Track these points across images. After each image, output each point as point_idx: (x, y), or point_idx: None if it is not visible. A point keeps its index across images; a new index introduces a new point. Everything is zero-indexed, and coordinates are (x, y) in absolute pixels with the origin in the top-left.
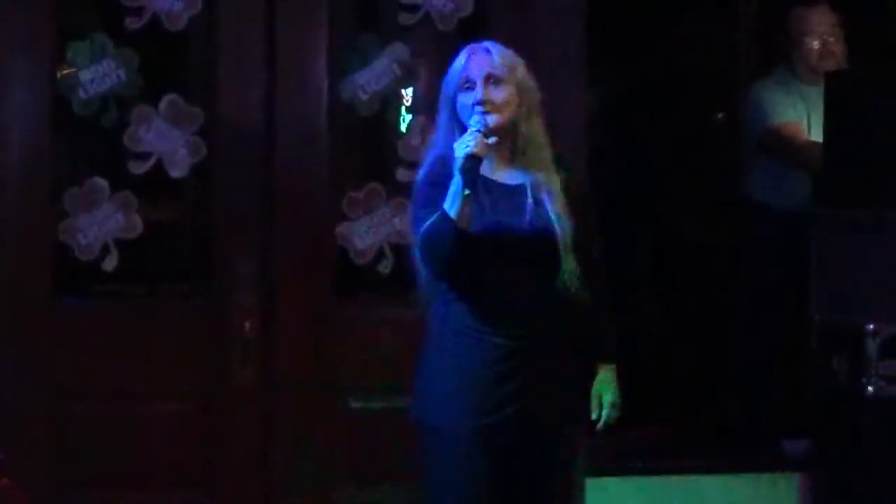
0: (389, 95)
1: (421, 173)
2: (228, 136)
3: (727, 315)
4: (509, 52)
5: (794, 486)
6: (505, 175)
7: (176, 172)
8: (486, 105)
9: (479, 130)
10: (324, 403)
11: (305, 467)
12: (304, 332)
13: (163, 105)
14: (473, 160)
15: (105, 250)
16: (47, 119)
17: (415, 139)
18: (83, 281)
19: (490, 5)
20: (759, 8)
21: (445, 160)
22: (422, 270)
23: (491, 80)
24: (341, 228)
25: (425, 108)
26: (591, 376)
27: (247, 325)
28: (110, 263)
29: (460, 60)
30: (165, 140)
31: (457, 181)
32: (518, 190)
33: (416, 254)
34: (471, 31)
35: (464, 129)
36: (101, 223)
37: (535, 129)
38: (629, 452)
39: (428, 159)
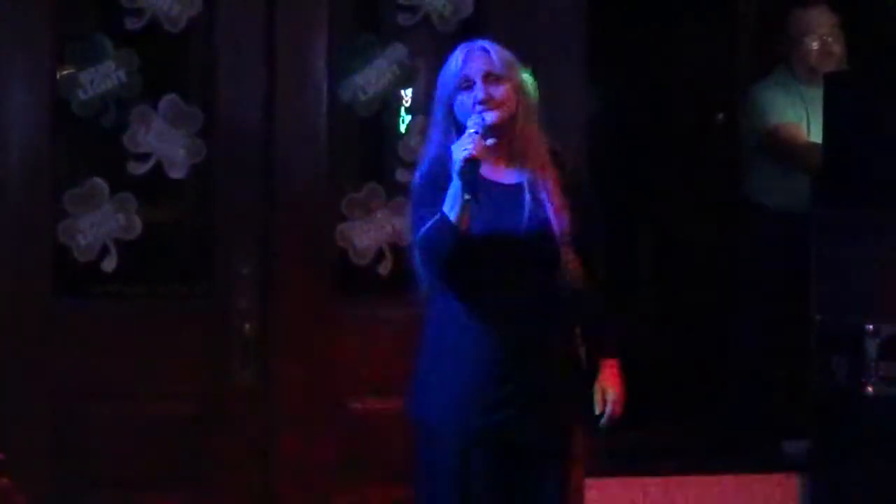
0: (389, 96)
1: (418, 174)
2: (228, 137)
3: (727, 315)
4: (505, 51)
5: (794, 486)
6: (502, 174)
7: (176, 173)
8: (487, 103)
9: (476, 132)
10: (323, 404)
11: (305, 467)
12: (303, 332)
13: (162, 106)
14: (472, 163)
15: (105, 251)
16: (47, 119)
17: (414, 140)
18: (83, 282)
19: (490, 6)
20: (758, 8)
21: (442, 160)
22: (420, 271)
23: (490, 78)
24: (341, 229)
25: (425, 108)
26: (594, 372)
27: (247, 325)
28: (110, 264)
29: (457, 60)
30: (165, 140)
31: (455, 184)
32: (516, 189)
33: (415, 255)
34: (470, 31)
35: (460, 129)
36: (101, 224)
37: (532, 127)
38: (629, 452)
39: (425, 160)
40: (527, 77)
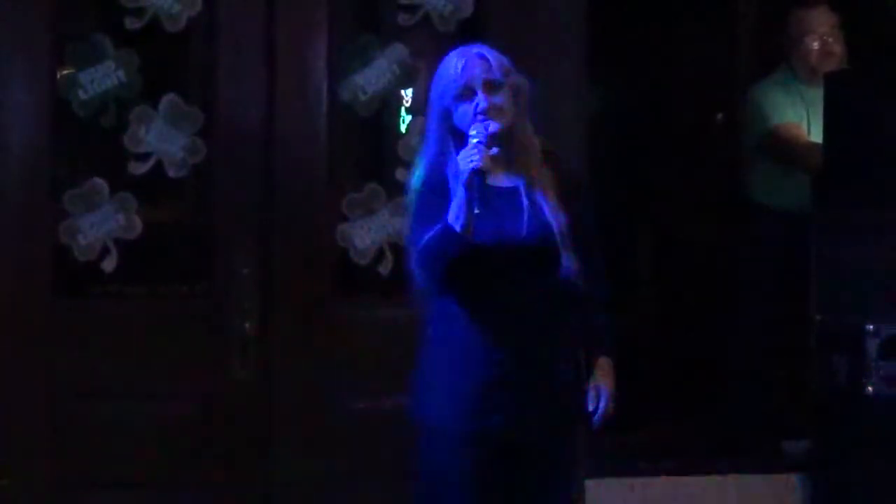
0: (389, 96)
1: (416, 181)
2: (228, 137)
3: (727, 315)
4: (501, 55)
5: (794, 486)
6: (499, 178)
7: (176, 173)
8: (489, 112)
9: (481, 142)
10: (323, 403)
11: (305, 467)
12: (303, 332)
13: (162, 105)
14: (479, 174)
15: (105, 251)
16: (47, 119)
17: (414, 140)
18: (83, 281)
19: (489, 6)
20: (758, 8)
21: (440, 167)
22: (419, 275)
23: (490, 86)
24: (341, 228)
25: (425, 108)
26: (589, 370)
27: (247, 325)
28: (110, 264)
29: (455, 67)
30: (165, 140)
31: (460, 194)
32: (513, 192)
33: (417, 262)
34: (470, 31)
35: (458, 136)
36: (101, 224)
37: (527, 130)
38: (629, 452)
39: (422, 166)
40: (520, 78)
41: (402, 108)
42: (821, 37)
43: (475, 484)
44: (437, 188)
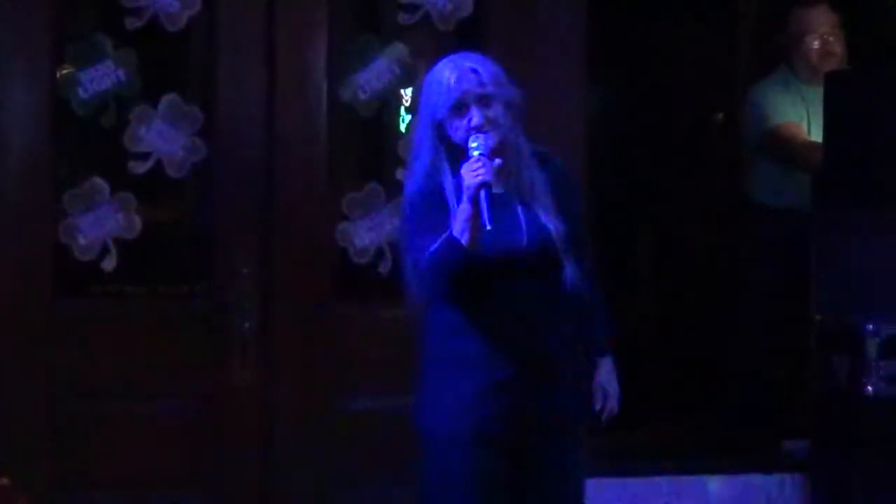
0: (389, 95)
1: (411, 190)
2: (228, 136)
3: (727, 315)
4: (493, 66)
5: (794, 486)
6: (495, 187)
7: (176, 172)
8: (484, 128)
9: (484, 155)
10: (323, 403)
11: (305, 467)
12: (303, 331)
13: (162, 105)
14: (486, 187)
15: (105, 250)
16: (47, 119)
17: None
18: (83, 281)
19: (489, 5)
20: (758, 8)
21: (434, 177)
22: (419, 289)
23: (483, 101)
24: (341, 228)
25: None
26: (589, 370)
27: (246, 325)
28: (110, 263)
29: (448, 81)
30: (165, 140)
31: (465, 208)
32: (509, 199)
33: (420, 275)
34: (470, 30)
35: (450, 148)
36: (101, 223)
37: (520, 136)
38: (629, 452)
39: (415, 175)
40: (512, 89)
41: (402, 108)
42: (821, 36)
43: (480, 491)
44: (432, 199)
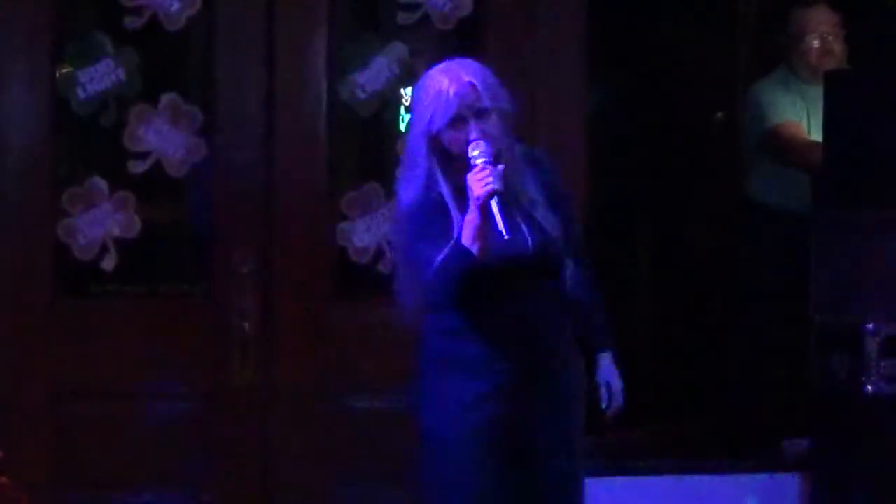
0: (389, 95)
1: (407, 200)
2: (228, 136)
3: (727, 315)
4: (489, 75)
5: (794, 486)
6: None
7: (175, 172)
8: (483, 139)
9: (488, 162)
10: (323, 403)
11: (305, 467)
12: (303, 331)
13: (162, 104)
14: (496, 195)
15: (104, 250)
16: (47, 119)
17: None
18: (82, 281)
19: (489, 5)
20: (758, 8)
21: (431, 186)
22: (410, 295)
23: (480, 114)
24: (341, 227)
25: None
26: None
27: (246, 324)
28: (109, 263)
29: (446, 94)
30: (165, 139)
31: (474, 217)
32: (508, 205)
33: (423, 282)
34: (470, 30)
35: (445, 157)
36: (101, 223)
37: (512, 143)
38: (629, 452)
39: (411, 185)
40: (507, 99)
41: (402, 107)
42: (821, 36)
43: (480, 492)
44: (432, 208)
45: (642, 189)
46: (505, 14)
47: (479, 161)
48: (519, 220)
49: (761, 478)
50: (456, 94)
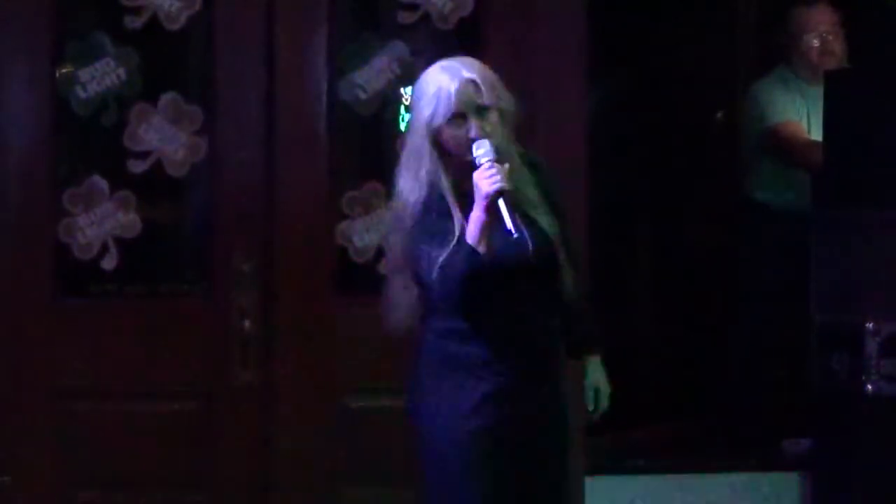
0: (389, 94)
1: (414, 198)
2: (228, 136)
3: (727, 315)
4: (489, 73)
5: (794, 486)
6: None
7: (175, 171)
8: (483, 136)
9: (494, 160)
10: (323, 403)
11: (305, 467)
12: (303, 331)
13: (162, 104)
14: (504, 193)
15: (104, 249)
16: (47, 119)
17: None
18: (83, 280)
19: (489, 5)
20: (758, 7)
21: (434, 184)
22: (400, 296)
23: (481, 112)
24: (341, 227)
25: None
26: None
27: (246, 324)
28: (109, 263)
29: (446, 90)
30: (165, 139)
31: (479, 216)
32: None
33: (395, 284)
34: (470, 30)
35: (447, 157)
36: (101, 222)
37: (511, 143)
38: (629, 452)
39: (416, 182)
40: (508, 98)
41: (402, 107)
42: (821, 35)
43: (480, 493)
44: (435, 207)
45: (642, 189)
46: (505, 14)
47: (484, 160)
48: (519, 221)
49: (761, 478)
50: (457, 90)
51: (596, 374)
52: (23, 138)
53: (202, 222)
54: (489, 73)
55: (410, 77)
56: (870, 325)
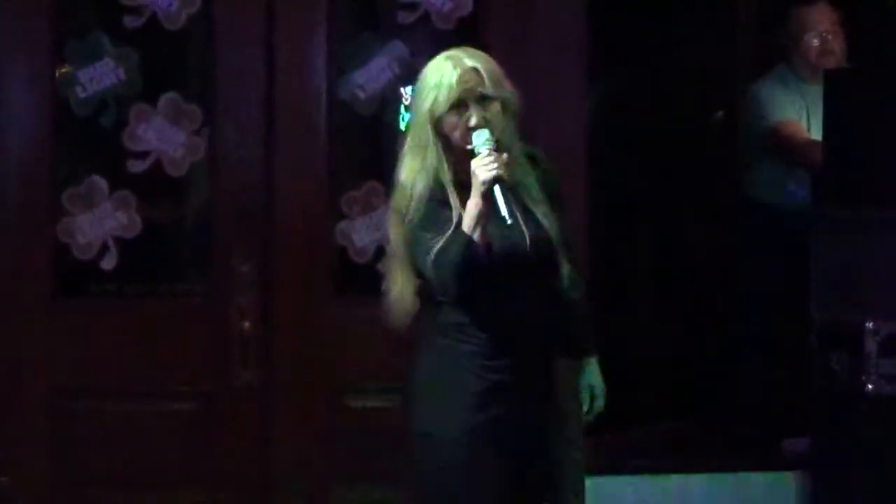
0: (388, 94)
1: (419, 186)
2: (228, 135)
3: (727, 315)
4: (493, 64)
5: (794, 485)
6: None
7: (175, 171)
8: (483, 125)
9: (493, 148)
10: (323, 403)
11: (305, 467)
12: (303, 331)
13: (162, 103)
14: (499, 181)
15: (104, 249)
16: (46, 119)
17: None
18: (82, 280)
19: (489, 4)
20: (758, 7)
21: (439, 173)
22: (402, 288)
23: (482, 100)
24: (340, 227)
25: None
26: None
27: (246, 324)
28: (109, 262)
29: (448, 78)
30: (164, 138)
31: (476, 203)
32: (508, 193)
33: (394, 275)
34: (470, 29)
35: (449, 147)
36: (100, 222)
37: (514, 135)
38: (629, 452)
39: (420, 172)
40: (510, 89)
41: (402, 106)
42: (821, 34)
43: (477, 491)
44: (439, 196)
45: (642, 189)
46: (505, 13)
47: (483, 148)
48: (517, 213)
49: (761, 477)
50: (459, 77)
51: (592, 375)
52: (22, 138)
53: (202, 222)
54: (493, 65)
55: (410, 77)
56: (869, 325)
